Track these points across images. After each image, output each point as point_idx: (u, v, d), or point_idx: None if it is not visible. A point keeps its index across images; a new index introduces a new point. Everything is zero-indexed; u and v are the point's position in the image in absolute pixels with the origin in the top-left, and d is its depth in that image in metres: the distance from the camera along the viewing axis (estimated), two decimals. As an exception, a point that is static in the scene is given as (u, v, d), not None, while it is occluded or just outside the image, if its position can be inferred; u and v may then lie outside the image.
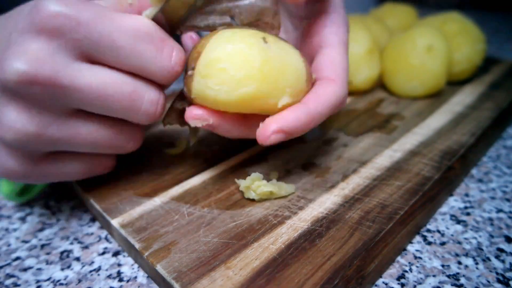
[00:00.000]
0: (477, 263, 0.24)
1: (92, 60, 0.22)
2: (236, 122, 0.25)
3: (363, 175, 0.29)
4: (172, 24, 0.26)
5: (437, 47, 0.40)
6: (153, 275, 0.23)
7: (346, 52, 0.27)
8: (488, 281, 0.23)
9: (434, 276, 0.23)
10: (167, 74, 0.24)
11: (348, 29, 0.29)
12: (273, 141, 0.23)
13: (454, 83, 0.46)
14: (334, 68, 0.26)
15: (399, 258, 0.25)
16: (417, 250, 0.25)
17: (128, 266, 0.25)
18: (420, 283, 0.23)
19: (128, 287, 0.23)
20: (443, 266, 0.24)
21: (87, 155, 0.27)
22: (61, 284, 0.24)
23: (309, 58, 0.28)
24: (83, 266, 0.25)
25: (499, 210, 0.29)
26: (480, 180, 0.33)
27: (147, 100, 0.24)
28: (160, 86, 0.25)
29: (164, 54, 0.23)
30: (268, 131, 0.23)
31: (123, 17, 0.22)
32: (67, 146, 0.24)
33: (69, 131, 0.23)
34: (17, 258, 0.26)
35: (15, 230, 0.29)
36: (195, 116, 0.24)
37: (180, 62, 0.24)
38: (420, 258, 0.25)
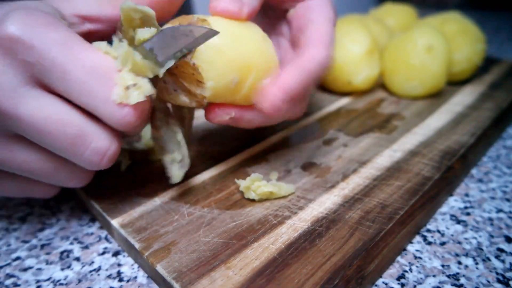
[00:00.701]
0: (477, 263, 0.24)
1: (46, 87, 0.21)
2: (256, 111, 0.26)
3: (363, 175, 0.29)
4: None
5: (437, 47, 0.40)
6: (153, 275, 0.23)
7: (332, 28, 0.27)
8: (488, 281, 0.23)
9: (434, 276, 0.23)
10: (117, 122, 0.21)
11: (335, 10, 0.29)
12: (279, 105, 0.24)
13: (454, 83, 0.46)
14: (320, 36, 0.26)
15: (399, 258, 0.25)
16: (417, 250, 0.25)
17: (128, 266, 0.25)
18: (420, 283, 0.23)
19: (128, 287, 0.23)
20: (443, 266, 0.24)
21: (24, 178, 0.24)
22: (61, 284, 0.24)
23: (296, 38, 0.28)
24: (83, 266, 0.25)
25: (499, 210, 0.29)
26: (480, 180, 0.33)
27: (93, 148, 0.22)
28: (116, 132, 0.23)
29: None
30: (273, 94, 0.24)
31: (85, 49, 0.21)
32: (0, 166, 0.23)
33: (4, 152, 0.22)
34: (17, 258, 0.26)
35: (15, 230, 0.29)
36: (217, 112, 0.26)
37: (135, 113, 0.21)
38: (420, 258, 0.25)
